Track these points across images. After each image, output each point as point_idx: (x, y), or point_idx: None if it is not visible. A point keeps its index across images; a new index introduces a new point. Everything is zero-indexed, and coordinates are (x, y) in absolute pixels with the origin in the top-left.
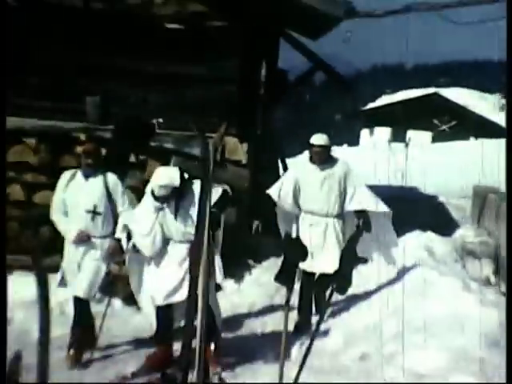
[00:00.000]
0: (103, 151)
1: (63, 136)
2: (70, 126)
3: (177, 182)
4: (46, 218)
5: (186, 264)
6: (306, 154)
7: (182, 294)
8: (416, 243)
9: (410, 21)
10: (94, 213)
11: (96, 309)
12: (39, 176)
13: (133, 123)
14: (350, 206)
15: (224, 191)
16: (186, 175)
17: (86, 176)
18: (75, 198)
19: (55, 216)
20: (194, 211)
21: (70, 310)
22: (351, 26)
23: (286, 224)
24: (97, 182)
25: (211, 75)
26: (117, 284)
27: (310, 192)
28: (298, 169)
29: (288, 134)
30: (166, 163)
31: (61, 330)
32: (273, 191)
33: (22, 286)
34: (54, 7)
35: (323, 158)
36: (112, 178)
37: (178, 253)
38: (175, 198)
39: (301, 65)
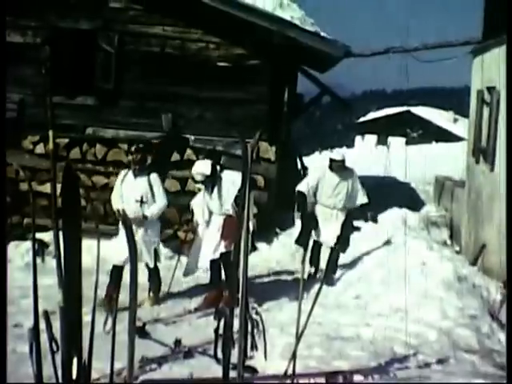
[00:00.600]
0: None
1: (146, 142)
2: (151, 135)
3: (207, 171)
4: None
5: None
6: (327, 160)
7: (219, 252)
8: (395, 216)
9: (390, 59)
10: (141, 202)
11: (168, 263)
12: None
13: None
14: (357, 202)
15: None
16: (218, 167)
17: (135, 175)
18: (127, 192)
19: (115, 205)
20: (224, 193)
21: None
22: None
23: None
24: (142, 179)
25: (249, 98)
26: (184, 246)
27: (326, 191)
28: (321, 173)
29: (303, 139)
30: (218, 161)
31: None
32: (302, 186)
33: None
34: (141, 52)
35: (340, 168)
36: (153, 176)
37: (216, 223)
38: (210, 182)
39: (312, 90)
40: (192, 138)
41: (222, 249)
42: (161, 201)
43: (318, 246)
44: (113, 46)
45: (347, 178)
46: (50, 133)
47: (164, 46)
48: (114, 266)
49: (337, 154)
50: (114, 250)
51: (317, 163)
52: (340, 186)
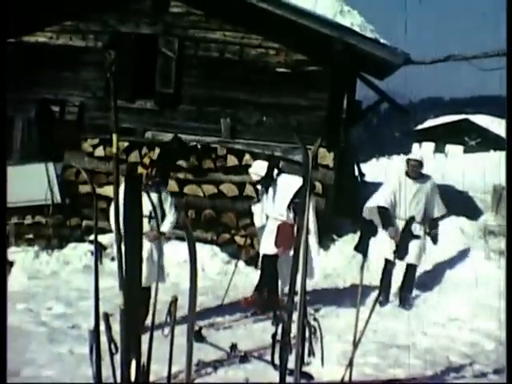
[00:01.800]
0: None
1: (205, 147)
2: (210, 139)
3: (263, 171)
4: (192, 204)
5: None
6: (401, 168)
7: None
8: (452, 225)
9: (448, 67)
10: (150, 218)
11: (225, 268)
12: (188, 174)
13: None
14: (433, 214)
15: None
16: (275, 170)
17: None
18: None
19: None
20: (279, 196)
21: None
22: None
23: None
24: (152, 195)
25: (308, 104)
26: (241, 251)
27: (403, 200)
28: (396, 182)
29: (360, 146)
30: (276, 167)
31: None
32: (381, 201)
33: (177, 250)
34: (200, 57)
35: (417, 172)
36: (165, 194)
37: (271, 227)
38: (266, 184)
39: (370, 97)
40: (194, 143)
41: (272, 251)
42: (172, 215)
43: (391, 265)
44: (173, 51)
45: (426, 185)
46: (114, 137)
47: (223, 52)
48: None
49: (415, 153)
50: None
51: (390, 172)
52: (419, 195)
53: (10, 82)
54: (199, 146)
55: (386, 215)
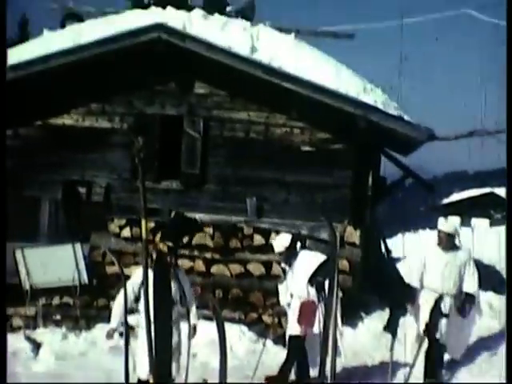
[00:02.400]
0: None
1: (231, 226)
2: (236, 219)
3: (286, 243)
4: (220, 284)
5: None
6: (431, 237)
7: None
8: (480, 300)
9: (471, 142)
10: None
11: (252, 347)
12: (215, 254)
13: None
14: (466, 288)
15: (327, 259)
16: (299, 243)
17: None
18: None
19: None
20: (301, 271)
21: None
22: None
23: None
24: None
25: (333, 182)
26: (269, 330)
27: (434, 272)
28: (425, 252)
29: (386, 221)
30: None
31: None
32: (407, 277)
33: (205, 330)
34: (226, 137)
35: (449, 244)
36: (182, 273)
37: (294, 305)
38: (290, 257)
39: (395, 172)
40: (197, 217)
41: (297, 332)
42: (192, 300)
43: (438, 347)
44: (198, 132)
45: (458, 257)
46: (143, 222)
47: (248, 131)
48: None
49: (447, 224)
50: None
51: (416, 248)
52: (451, 267)
53: (36, 163)
54: (200, 221)
55: (409, 292)
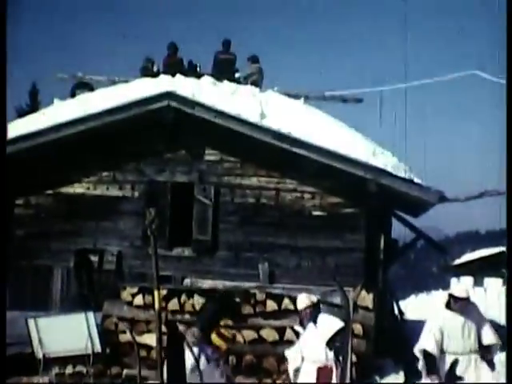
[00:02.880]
0: None
1: (243, 292)
2: (249, 285)
3: (314, 299)
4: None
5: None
6: (439, 300)
7: None
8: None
9: (482, 202)
10: None
11: None
12: (227, 320)
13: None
14: (486, 341)
15: (341, 328)
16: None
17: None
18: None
19: None
20: (317, 338)
21: None
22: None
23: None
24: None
25: (345, 246)
26: None
27: (453, 336)
28: (439, 319)
29: (398, 282)
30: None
31: None
32: (426, 344)
33: None
34: (237, 203)
35: (463, 307)
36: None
37: (307, 369)
38: (313, 313)
39: (406, 233)
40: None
41: None
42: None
43: None
44: (209, 198)
45: (472, 314)
46: (156, 294)
47: (259, 197)
48: None
49: (459, 288)
50: None
51: (431, 310)
52: (468, 326)
53: (48, 232)
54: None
55: (431, 361)
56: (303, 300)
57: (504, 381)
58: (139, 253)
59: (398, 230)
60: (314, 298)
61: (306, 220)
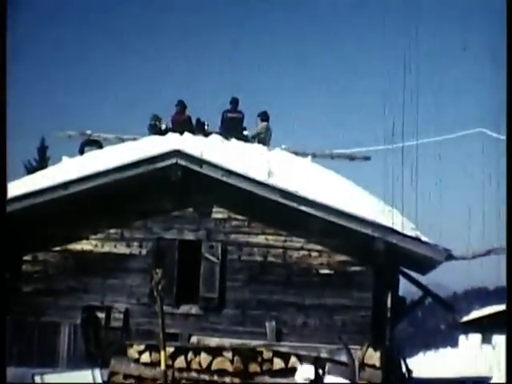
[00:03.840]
0: None
1: (250, 350)
2: (255, 343)
3: (311, 375)
4: None
5: None
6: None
7: None
8: None
9: (490, 258)
10: None
11: None
12: (234, 378)
13: None
14: None
15: None
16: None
17: None
18: None
19: None
20: None
21: None
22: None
23: None
24: None
25: (352, 304)
26: None
27: None
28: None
29: (405, 340)
30: (322, 368)
31: None
32: None
33: None
34: (244, 261)
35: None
36: None
37: None
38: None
39: (414, 291)
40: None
41: None
42: None
43: None
44: (216, 256)
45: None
46: (162, 353)
47: (266, 255)
48: None
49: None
50: None
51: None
52: None
53: (55, 288)
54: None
55: None
56: (302, 377)
57: (504, 381)
58: (146, 310)
59: (406, 288)
60: (312, 372)
61: (313, 278)
